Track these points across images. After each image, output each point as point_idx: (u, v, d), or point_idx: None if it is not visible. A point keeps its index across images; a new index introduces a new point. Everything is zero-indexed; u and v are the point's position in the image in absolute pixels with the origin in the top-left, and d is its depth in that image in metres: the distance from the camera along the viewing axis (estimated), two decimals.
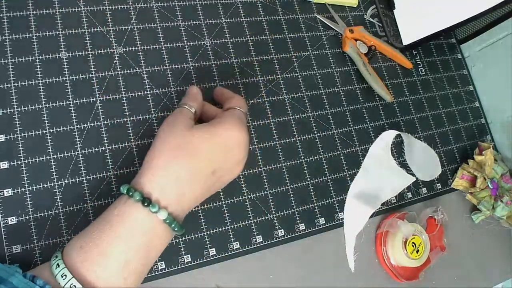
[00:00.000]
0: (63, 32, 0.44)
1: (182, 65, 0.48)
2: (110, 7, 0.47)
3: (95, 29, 0.45)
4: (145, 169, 0.35)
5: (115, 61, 0.45)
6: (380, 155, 0.52)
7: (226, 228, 0.44)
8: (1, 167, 0.39)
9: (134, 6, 0.48)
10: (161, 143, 0.35)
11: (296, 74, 0.52)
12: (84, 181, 0.41)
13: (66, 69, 0.43)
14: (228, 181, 0.39)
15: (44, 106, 0.42)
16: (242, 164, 0.39)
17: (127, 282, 0.32)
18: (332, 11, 0.57)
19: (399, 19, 0.58)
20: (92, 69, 0.44)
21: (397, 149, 0.54)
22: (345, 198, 0.50)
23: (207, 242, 0.43)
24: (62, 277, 0.30)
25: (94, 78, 0.44)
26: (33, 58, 0.43)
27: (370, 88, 0.55)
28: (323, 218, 0.48)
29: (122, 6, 0.47)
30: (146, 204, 0.32)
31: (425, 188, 0.54)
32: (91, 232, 0.33)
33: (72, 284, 0.30)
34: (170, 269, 0.41)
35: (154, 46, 0.47)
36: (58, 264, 0.31)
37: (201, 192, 0.36)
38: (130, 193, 0.33)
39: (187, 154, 0.35)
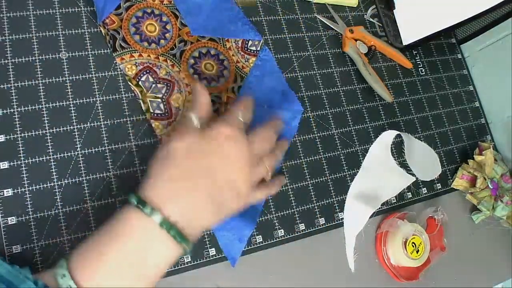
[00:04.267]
0: (63, 32, 0.44)
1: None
2: None
3: (95, 29, 0.45)
4: (145, 178, 0.35)
5: (115, 61, 0.45)
6: (380, 155, 0.52)
7: None
8: (1, 167, 0.39)
9: None
10: (160, 151, 0.36)
11: (296, 74, 0.52)
12: (84, 181, 0.41)
13: (66, 69, 0.43)
14: (234, 186, 0.37)
15: (44, 106, 0.42)
16: (240, 164, 0.37)
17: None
18: (332, 11, 0.57)
19: (399, 19, 0.58)
20: (92, 69, 0.44)
21: (397, 149, 0.54)
22: (345, 198, 0.50)
23: (207, 242, 0.43)
24: None
25: (94, 78, 0.44)
26: (33, 58, 0.42)
27: (370, 88, 0.55)
28: (323, 218, 0.48)
29: None
30: (141, 206, 0.32)
31: (425, 188, 0.54)
32: (93, 237, 0.33)
33: None
34: (170, 269, 0.41)
35: None
36: (64, 275, 0.31)
37: (203, 196, 0.35)
38: (130, 199, 0.33)
39: (178, 156, 0.35)
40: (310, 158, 0.50)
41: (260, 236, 0.45)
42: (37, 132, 0.41)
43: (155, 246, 0.33)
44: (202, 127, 0.38)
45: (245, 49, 0.49)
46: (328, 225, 0.48)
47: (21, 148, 0.40)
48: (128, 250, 0.32)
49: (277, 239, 0.46)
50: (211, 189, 0.35)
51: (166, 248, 0.33)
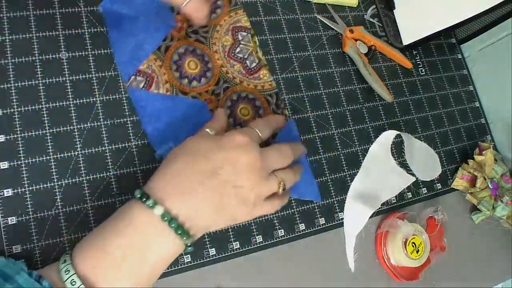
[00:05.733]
0: (63, 32, 0.44)
1: None
2: None
3: (95, 29, 0.45)
4: (152, 177, 0.36)
5: (115, 61, 0.45)
6: (380, 155, 0.52)
7: (226, 228, 0.44)
8: (1, 167, 0.39)
9: None
10: (171, 152, 0.37)
11: (296, 74, 0.52)
12: (84, 181, 0.41)
13: (66, 69, 0.43)
14: (240, 192, 0.36)
15: (44, 106, 0.42)
16: (248, 173, 0.36)
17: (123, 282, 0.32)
18: (332, 11, 0.57)
19: (399, 19, 0.58)
20: (92, 69, 0.44)
21: (397, 149, 0.54)
22: (345, 198, 0.50)
23: (207, 242, 0.43)
24: (71, 283, 0.30)
25: (94, 78, 0.44)
26: (33, 58, 0.42)
27: (370, 88, 0.55)
28: (323, 218, 0.48)
29: None
30: (143, 199, 0.33)
31: (425, 188, 0.54)
32: (96, 230, 0.33)
33: None
34: (170, 269, 0.41)
35: None
36: (68, 270, 0.31)
37: (206, 195, 0.34)
38: (134, 193, 0.34)
39: (186, 154, 0.36)
40: (310, 158, 0.50)
41: (260, 236, 0.45)
42: (37, 132, 0.41)
43: (156, 240, 0.33)
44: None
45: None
46: (328, 225, 0.48)
47: (21, 148, 0.40)
48: (130, 243, 0.32)
49: (277, 239, 0.46)
50: (215, 191, 0.35)
51: (167, 242, 0.33)
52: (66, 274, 0.31)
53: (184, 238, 0.33)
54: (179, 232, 0.33)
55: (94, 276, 0.31)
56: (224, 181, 0.35)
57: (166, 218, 0.33)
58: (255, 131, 0.40)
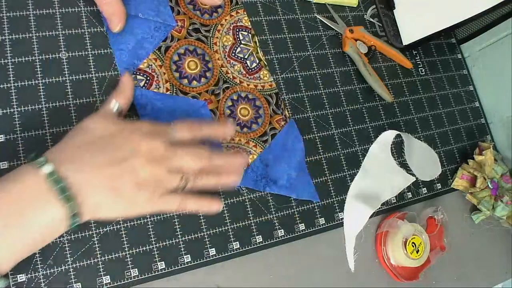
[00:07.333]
0: (63, 32, 0.44)
1: None
2: None
3: (95, 29, 0.45)
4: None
5: (114, 61, 0.45)
6: (380, 155, 0.52)
7: (226, 228, 0.44)
8: (1, 167, 0.39)
9: None
10: (75, 127, 0.38)
11: (296, 74, 0.52)
12: None
13: (66, 69, 0.43)
14: (137, 177, 0.35)
15: (44, 106, 0.42)
16: (148, 158, 0.35)
17: None
18: (332, 11, 0.57)
19: (399, 19, 0.58)
20: (92, 69, 0.44)
21: (397, 149, 0.54)
22: (345, 198, 0.50)
23: (207, 242, 0.43)
24: None
25: (94, 78, 0.44)
26: (33, 58, 0.42)
27: (370, 88, 0.55)
28: (323, 218, 0.48)
29: None
30: (35, 158, 0.33)
31: (425, 188, 0.54)
32: None
33: None
34: (170, 269, 0.41)
35: None
36: None
37: (103, 170, 0.34)
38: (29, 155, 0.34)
39: (91, 130, 0.36)
40: (310, 158, 0.50)
41: (260, 236, 0.45)
42: (37, 132, 0.41)
43: (38, 202, 0.31)
44: (119, 113, 0.40)
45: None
46: (328, 225, 0.48)
47: (21, 148, 0.40)
48: (10, 201, 0.31)
49: (277, 239, 0.46)
50: (110, 168, 0.34)
51: (49, 206, 0.31)
52: None
53: (69, 204, 0.31)
54: (64, 194, 0.31)
55: None
56: (120, 162, 0.34)
57: (52, 178, 0.31)
58: (171, 129, 0.38)
